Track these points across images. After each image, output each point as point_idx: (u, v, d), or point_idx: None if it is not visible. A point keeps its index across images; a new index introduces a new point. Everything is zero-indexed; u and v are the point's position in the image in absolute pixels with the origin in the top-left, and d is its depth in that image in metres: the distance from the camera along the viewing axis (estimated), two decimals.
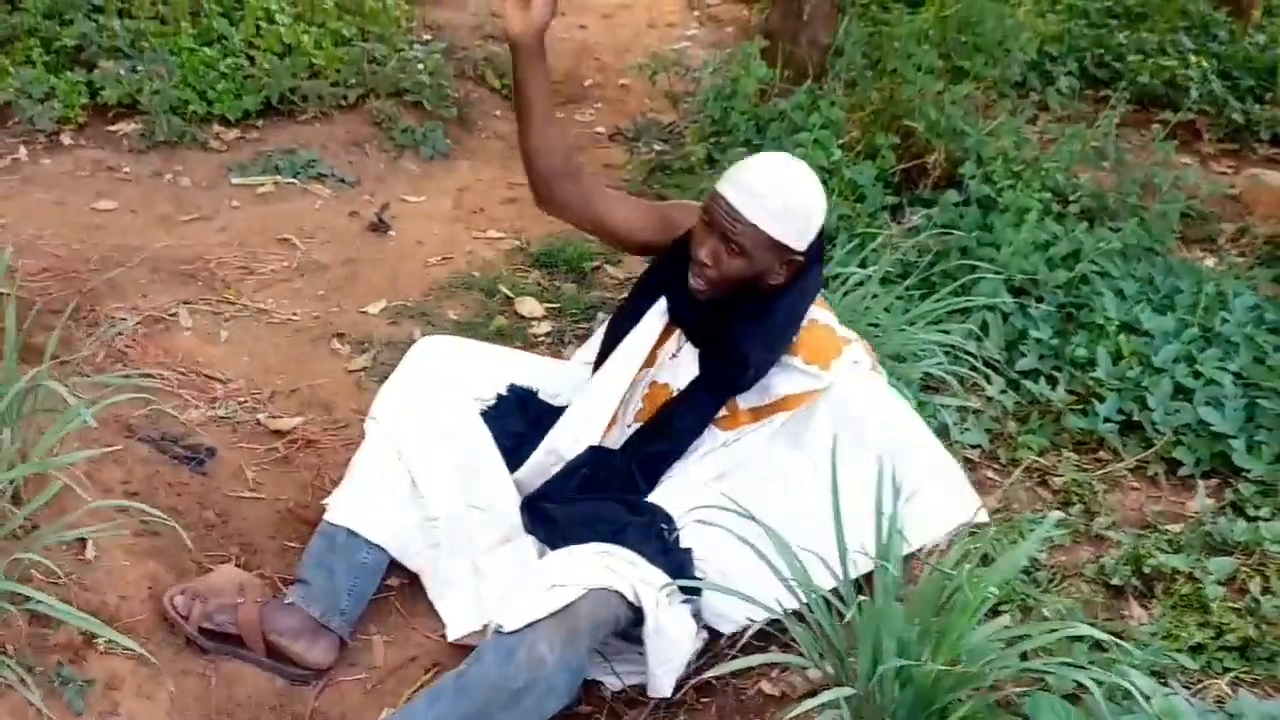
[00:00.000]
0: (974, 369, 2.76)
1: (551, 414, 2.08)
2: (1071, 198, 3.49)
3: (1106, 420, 2.71)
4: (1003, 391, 2.78)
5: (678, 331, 2.05)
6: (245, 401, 2.52)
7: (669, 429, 2.02)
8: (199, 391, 2.50)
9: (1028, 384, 2.81)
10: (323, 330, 2.83)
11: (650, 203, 2.16)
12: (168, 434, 2.29)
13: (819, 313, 2.02)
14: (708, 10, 5.84)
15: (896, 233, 3.00)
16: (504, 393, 2.14)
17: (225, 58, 4.05)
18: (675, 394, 2.03)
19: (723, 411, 2.03)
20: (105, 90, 3.72)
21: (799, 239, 1.90)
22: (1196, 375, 2.77)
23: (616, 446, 2.04)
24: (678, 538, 1.89)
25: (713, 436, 2.04)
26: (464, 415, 2.04)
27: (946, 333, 2.74)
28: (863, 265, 2.80)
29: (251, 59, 4.12)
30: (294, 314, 2.87)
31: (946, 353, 2.71)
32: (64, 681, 1.61)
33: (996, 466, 2.63)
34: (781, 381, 2.00)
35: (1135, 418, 2.72)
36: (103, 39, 4.02)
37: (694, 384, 2.01)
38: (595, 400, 2.04)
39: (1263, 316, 3.04)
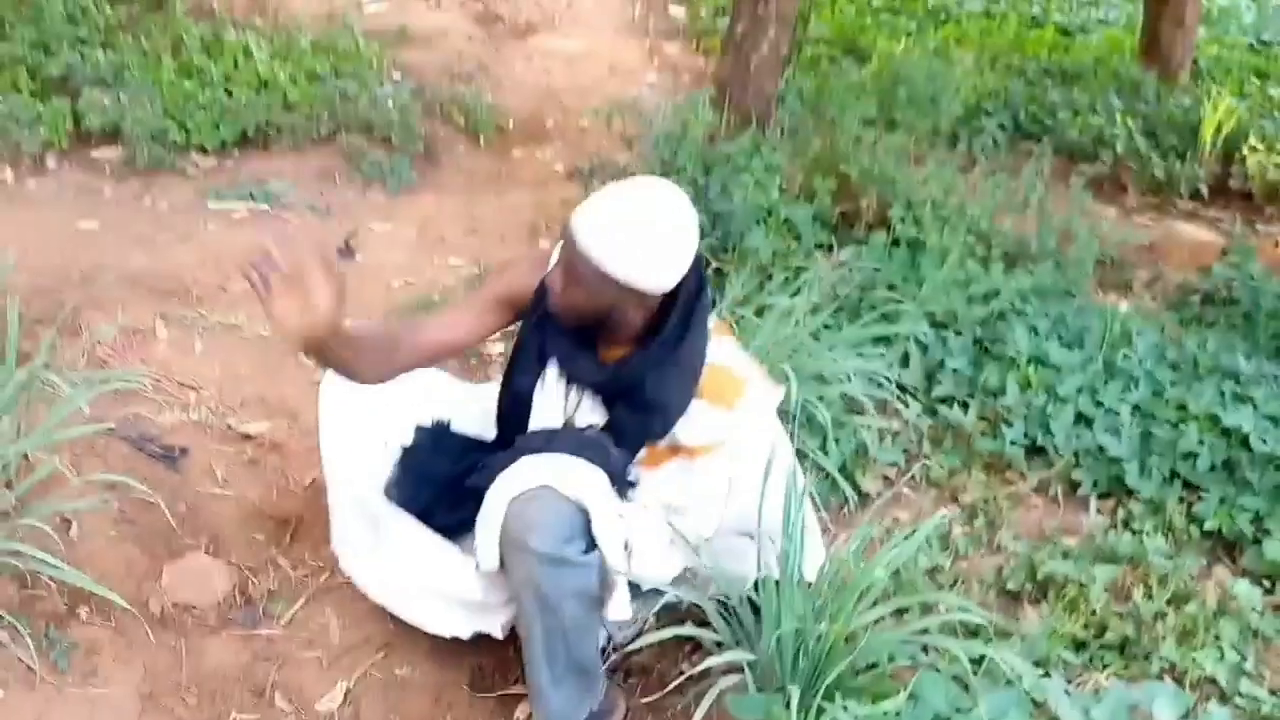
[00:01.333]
0: (897, 390, 3.01)
1: (474, 447, 2.07)
2: (994, 242, 3.75)
3: (1013, 443, 2.95)
4: (920, 415, 3.02)
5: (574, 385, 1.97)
6: (217, 408, 2.71)
7: None
8: (174, 397, 2.69)
9: (943, 409, 3.05)
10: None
11: (480, 295, 2.00)
12: (145, 434, 2.48)
13: (721, 349, 1.95)
14: (666, 59, 6.12)
15: (826, 267, 3.24)
16: (420, 427, 2.09)
17: (204, 90, 4.27)
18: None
19: (643, 454, 1.98)
20: (89, 117, 3.92)
21: (652, 283, 1.77)
22: (1098, 405, 3.02)
23: None
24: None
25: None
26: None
27: (869, 360, 2.98)
28: (794, 296, 3.04)
29: (229, 92, 4.34)
30: (264, 330, 3.06)
31: (869, 379, 2.95)
32: (51, 643, 1.79)
33: (911, 484, 2.87)
34: (682, 425, 1.92)
35: (1040, 442, 2.97)
36: (87, 69, 4.23)
37: (608, 432, 1.95)
38: None
39: (1164, 354, 3.31)
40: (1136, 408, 3.03)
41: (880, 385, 2.97)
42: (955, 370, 3.16)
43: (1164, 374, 3.18)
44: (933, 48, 6.43)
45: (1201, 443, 2.88)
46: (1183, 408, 3.01)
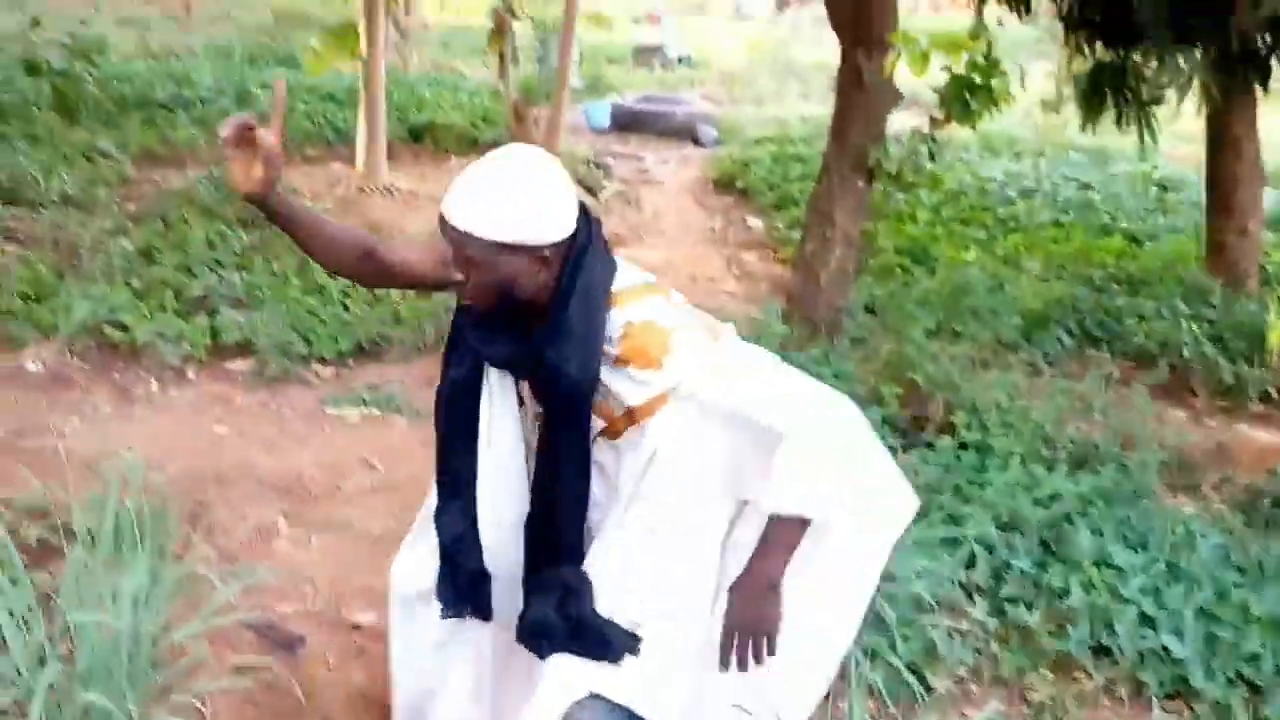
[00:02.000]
0: (964, 590, 3.15)
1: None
2: (1060, 446, 3.93)
3: (1079, 643, 3.05)
4: (988, 614, 3.15)
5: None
6: (330, 599, 2.97)
7: (557, 491, 1.94)
8: (294, 588, 2.97)
9: (1010, 609, 3.17)
10: (397, 540, 3.27)
11: (437, 249, 1.98)
12: (268, 623, 2.75)
13: (638, 309, 1.87)
14: (745, 268, 6.53)
15: None
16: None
17: (325, 307, 4.74)
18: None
19: (600, 424, 1.91)
20: (225, 333, 4.39)
21: (533, 234, 1.76)
22: (1162, 607, 3.12)
23: None
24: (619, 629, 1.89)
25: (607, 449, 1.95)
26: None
27: (936, 560, 3.15)
28: None
29: (346, 308, 4.81)
30: (373, 526, 3.35)
31: (936, 579, 3.10)
32: None
33: (979, 681, 2.97)
34: (626, 390, 1.86)
35: (1105, 642, 3.06)
36: (224, 289, 4.75)
37: (545, 427, 1.91)
38: (501, 487, 2.01)
39: (1227, 556, 3.40)
40: (1200, 610, 3.11)
41: (948, 585, 3.12)
42: (1022, 571, 3.28)
43: (1228, 576, 3.27)
44: (1001, 255, 6.76)
45: (1265, 645, 2.95)
46: (1246, 610, 3.09)
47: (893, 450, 3.76)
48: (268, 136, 1.72)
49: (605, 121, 11.39)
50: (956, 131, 10.01)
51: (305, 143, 8.68)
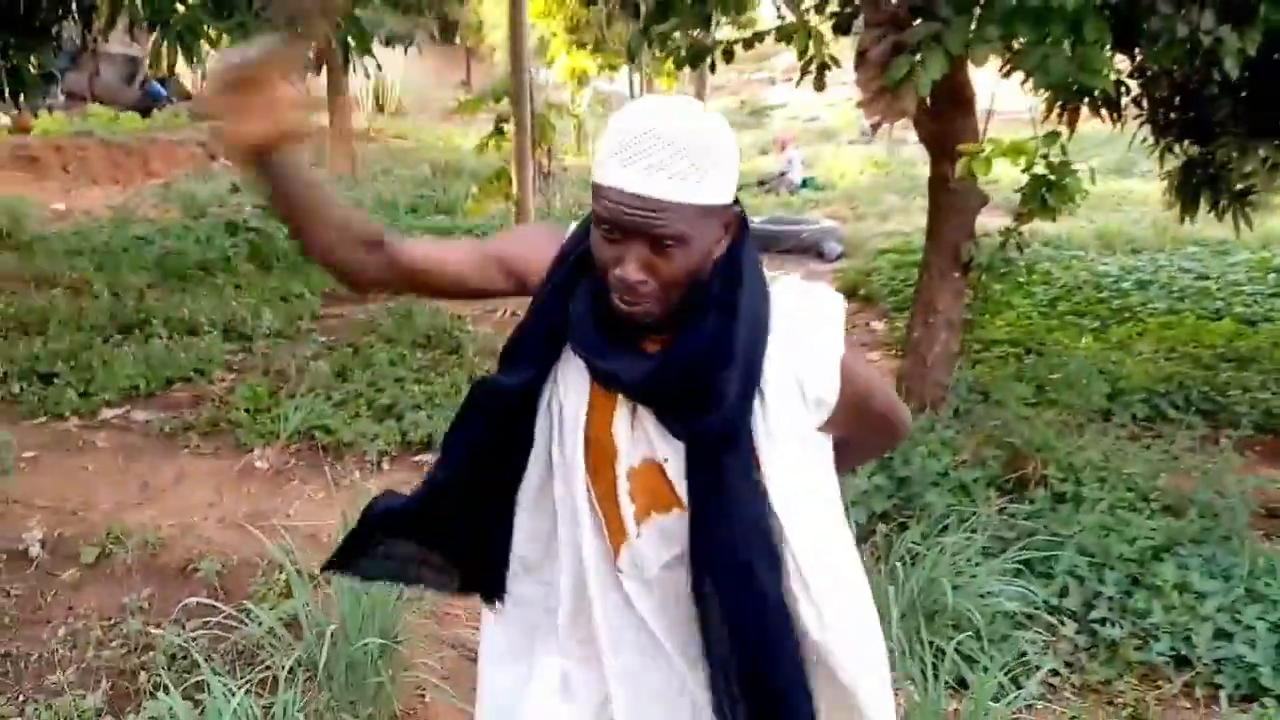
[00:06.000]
0: (1058, 613, 3.59)
1: None
2: (1151, 497, 4.32)
3: (1159, 654, 3.45)
4: (1077, 632, 3.57)
5: (618, 397, 1.52)
6: None
7: (731, 522, 1.46)
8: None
9: (1098, 628, 3.59)
10: None
11: (478, 242, 1.62)
12: None
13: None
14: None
15: (991, 513, 3.91)
16: None
17: None
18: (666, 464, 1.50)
19: None
20: (411, 433, 5.18)
21: (728, 188, 1.41)
22: (1238, 622, 3.50)
23: (631, 563, 1.57)
24: None
25: None
26: None
27: (1031, 585, 3.60)
28: (966, 535, 3.71)
29: None
30: None
31: (1032, 603, 3.55)
32: None
33: (1071, 690, 3.39)
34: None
35: (1185, 653, 3.45)
36: (407, 399, 5.57)
37: (693, 473, 1.47)
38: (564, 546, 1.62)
39: None
40: (1275, 625, 3.47)
41: (1042, 609, 3.55)
42: (1110, 598, 3.70)
43: None
44: (1115, 343, 7.13)
45: None
46: None
47: (988, 502, 4.26)
48: (276, 80, 1.37)
49: None
50: (1074, 231, 10.38)
51: None
